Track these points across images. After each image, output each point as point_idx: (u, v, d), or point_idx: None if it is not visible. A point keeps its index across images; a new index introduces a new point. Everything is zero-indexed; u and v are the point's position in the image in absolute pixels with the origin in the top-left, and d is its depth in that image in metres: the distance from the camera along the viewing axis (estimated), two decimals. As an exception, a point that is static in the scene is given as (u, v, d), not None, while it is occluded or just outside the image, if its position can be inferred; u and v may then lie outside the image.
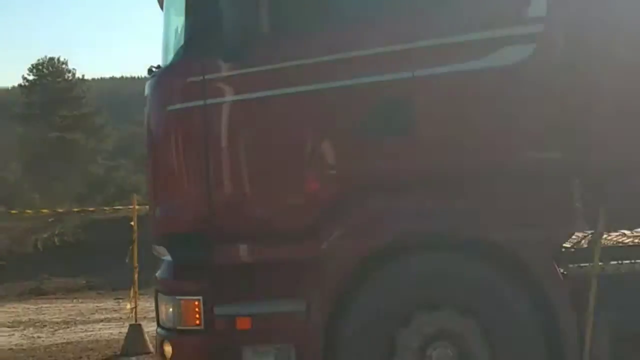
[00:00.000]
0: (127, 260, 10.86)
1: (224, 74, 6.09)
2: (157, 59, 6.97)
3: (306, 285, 5.99)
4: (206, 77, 6.06)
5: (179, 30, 6.43)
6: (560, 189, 6.09)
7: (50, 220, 25.56)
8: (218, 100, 6.10)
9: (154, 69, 6.75)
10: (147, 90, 6.59)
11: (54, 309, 14.82)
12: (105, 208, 23.81)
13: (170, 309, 6.12)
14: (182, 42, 6.25)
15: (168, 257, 6.31)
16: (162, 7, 7.04)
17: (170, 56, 6.47)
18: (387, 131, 6.02)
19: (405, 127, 6.01)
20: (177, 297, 6.08)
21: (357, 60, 6.03)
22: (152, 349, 9.85)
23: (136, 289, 10.89)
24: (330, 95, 6.06)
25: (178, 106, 6.17)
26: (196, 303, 5.99)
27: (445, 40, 6.01)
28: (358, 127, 6.02)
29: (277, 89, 6.07)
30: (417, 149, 5.98)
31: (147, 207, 13.61)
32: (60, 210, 24.79)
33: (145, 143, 6.82)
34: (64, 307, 15.18)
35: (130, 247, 10.77)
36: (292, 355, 5.92)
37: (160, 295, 6.31)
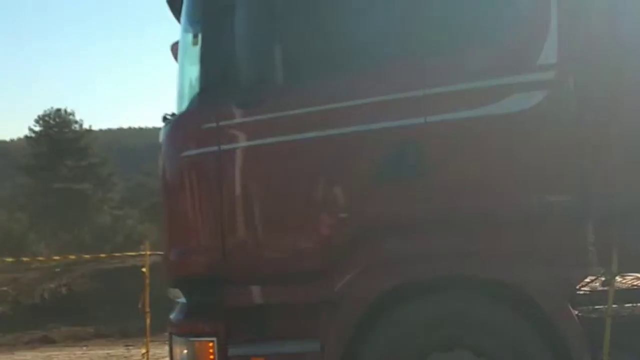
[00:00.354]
0: (139, 306, 10.86)
1: (238, 120, 6.21)
2: (162, 110, 7.09)
3: (320, 326, 6.03)
4: (220, 123, 6.17)
5: (193, 78, 6.56)
6: (573, 232, 6.14)
7: (56, 270, 25.59)
8: (232, 146, 6.20)
9: (168, 117, 6.87)
10: (161, 137, 6.71)
11: (63, 357, 14.79)
12: (117, 254, 23.84)
13: (185, 351, 6.16)
14: (196, 90, 6.37)
15: (182, 300, 6.37)
16: (176, 58, 7.18)
17: (185, 104, 6.59)
18: (398, 176, 6.10)
19: (416, 172, 6.09)
20: (191, 339, 6.13)
21: (368, 106, 6.13)
22: (164, 395, 9.83)
23: (147, 334, 10.88)
24: (342, 141, 6.14)
25: (192, 152, 6.28)
26: (210, 344, 6.03)
27: (457, 87, 6.11)
28: (369, 171, 6.10)
29: (289, 135, 6.17)
30: (429, 192, 6.05)
31: (157, 254, 13.78)
32: (72, 257, 24.79)
33: (159, 188, 6.93)
34: (73, 354, 15.15)
35: (142, 293, 10.79)
36: (307, 397, 5.95)
37: (174, 338, 6.35)
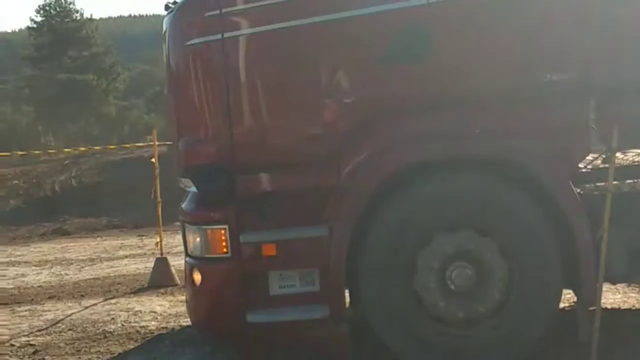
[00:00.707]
0: (152, 197, 11.03)
1: (241, 7, 6.18)
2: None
3: (328, 211, 6.17)
4: (223, 10, 6.15)
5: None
6: (576, 109, 6.20)
7: (65, 162, 25.76)
8: (235, 33, 6.19)
9: (170, 4, 6.82)
10: (164, 26, 6.70)
11: (78, 248, 15.07)
12: (126, 144, 23.95)
13: (198, 239, 6.31)
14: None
15: (193, 189, 6.49)
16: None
17: (187, -9, 6.53)
18: (404, 58, 6.12)
19: (422, 53, 6.11)
20: (204, 227, 6.27)
21: None
22: (178, 281, 10.11)
23: (160, 223, 11.09)
24: (346, 25, 6.14)
25: (197, 41, 6.27)
26: (222, 232, 6.17)
27: None
28: (375, 54, 6.12)
29: (293, 20, 6.16)
30: (434, 73, 6.08)
31: (165, 144, 13.88)
32: (83, 149, 24.93)
33: (164, 78, 6.95)
34: (88, 245, 15.42)
35: (154, 183, 10.94)
36: (317, 279, 6.14)
37: (187, 226, 6.51)
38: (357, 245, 6.09)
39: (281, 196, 6.25)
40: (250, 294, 6.15)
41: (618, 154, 6.64)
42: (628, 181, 6.32)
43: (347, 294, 6.43)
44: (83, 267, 12.60)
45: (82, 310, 9.33)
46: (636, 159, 6.98)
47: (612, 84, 6.14)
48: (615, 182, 6.00)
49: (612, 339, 6.04)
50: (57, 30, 47.80)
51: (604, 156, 6.54)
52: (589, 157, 6.66)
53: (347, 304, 6.54)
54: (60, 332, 8.38)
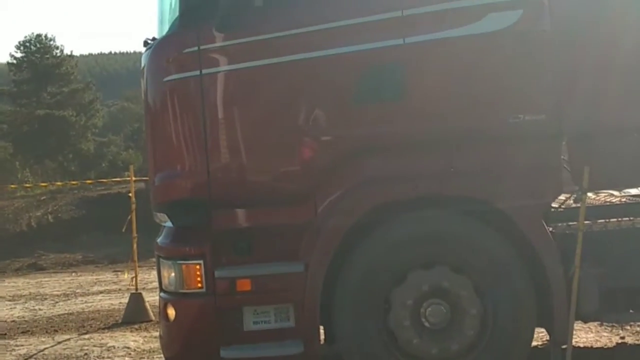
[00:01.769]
0: (123, 230, 11.02)
1: (219, 44, 6.24)
2: (144, 35, 7.09)
3: (303, 247, 6.20)
4: (201, 47, 6.21)
5: (174, 2, 6.56)
6: (548, 150, 6.30)
7: (42, 198, 25.65)
8: (213, 70, 6.24)
9: (149, 41, 6.89)
10: (143, 62, 6.75)
11: (53, 283, 14.97)
12: (103, 180, 23.89)
13: (173, 274, 6.30)
14: (177, 14, 6.39)
15: (169, 223, 6.50)
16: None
17: (166, 28, 6.61)
18: (379, 97, 6.20)
19: (395, 93, 6.19)
20: (179, 262, 6.27)
21: (349, 28, 6.19)
22: (152, 317, 10.06)
23: (135, 258, 11.07)
24: (322, 64, 6.21)
25: (174, 77, 6.32)
26: (197, 267, 6.18)
27: (433, 8, 6.18)
28: (350, 94, 6.19)
29: (270, 58, 6.22)
30: (408, 114, 6.16)
31: (142, 180, 13.88)
32: (59, 184, 24.86)
33: (142, 114, 6.99)
34: (63, 280, 15.33)
35: (129, 217, 10.93)
36: (292, 315, 6.15)
37: (162, 261, 6.50)
38: (332, 282, 6.11)
39: (257, 232, 6.28)
40: (224, 330, 6.15)
41: (590, 194, 6.75)
42: (600, 221, 6.41)
43: (322, 330, 6.45)
44: (57, 302, 12.51)
45: (55, 345, 9.26)
46: (608, 199, 7.09)
47: (583, 125, 6.24)
48: (586, 222, 6.08)
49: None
50: (37, 66, 47.81)
51: (575, 196, 6.64)
52: (562, 197, 6.77)
53: (322, 341, 6.55)
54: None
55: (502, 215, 6.12)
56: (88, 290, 13.80)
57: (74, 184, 25.22)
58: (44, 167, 37.08)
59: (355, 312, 6.09)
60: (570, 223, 6.31)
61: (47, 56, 48.89)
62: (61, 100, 46.76)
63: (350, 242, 6.11)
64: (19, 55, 49.00)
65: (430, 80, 6.17)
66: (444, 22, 6.16)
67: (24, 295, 13.48)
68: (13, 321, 11.04)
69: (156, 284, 7.12)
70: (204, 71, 6.20)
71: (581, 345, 7.90)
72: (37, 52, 48.88)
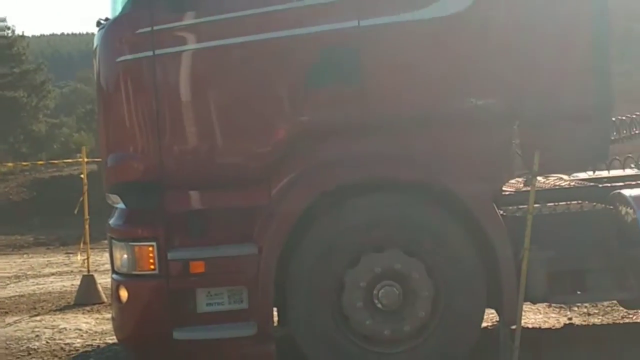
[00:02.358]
0: (75, 212, 10.93)
1: (172, 24, 6.20)
2: (97, 16, 7.01)
3: (257, 230, 6.22)
4: (155, 28, 6.17)
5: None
6: (500, 134, 6.38)
7: (-7, 179, 25.34)
8: (166, 50, 6.20)
9: (102, 22, 6.82)
10: (95, 42, 6.69)
11: (3, 264, 14.79)
12: (55, 161, 23.60)
13: (125, 255, 6.28)
14: (130, -6, 6.33)
15: (121, 205, 6.47)
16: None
17: (119, 8, 6.55)
18: (333, 80, 6.21)
19: (349, 76, 6.21)
20: (131, 243, 6.25)
21: (303, 10, 6.19)
22: (105, 298, 10.02)
23: (87, 240, 10.99)
24: (277, 46, 6.21)
25: (127, 57, 6.28)
26: (150, 248, 6.16)
27: None
28: (304, 77, 6.19)
29: (222, 39, 6.20)
30: (361, 97, 6.18)
31: (94, 161, 13.76)
32: (9, 164, 24.54)
33: (95, 95, 6.94)
34: (14, 262, 15.17)
35: (81, 199, 10.85)
36: (245, 296, 6.17)
37: (114, 242, 6.47)
38: (286, 264, 6.14)
39: (210, 214, 6.28)
40: (177, 311, 6.15)
41: (540, 178, 6.86)
42: (549, 204, 6.52)
43: (275, 312, 6.48)
44: (8, 284, 12.38)
45: (6, 327, 9.17)
46: (557, 183, 7.21)
47: (533, 110, 6.33)
48: (536, 205, 6.17)
49: (532, 358, 6.18)
50: (-13, 46, 46.95)
51: (526, 180, 6.74)
52: (512, 181, 6.86)
53: (275, 322, 6.58)
54: (-19, 349, 8.23)
55: (454, 199, 6.19)
56: (39, 272, 13.68)
57: (25, 166, 24.91)
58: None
59: (308, 293, 6.12)
60: (521, 206, 6.41)
61: (-2, 36, 48.05)
62: (12, 82, 45.97)
63: (303, 225, 6.13)
64: (-31, 35, 48.10)
65: (384, 64, 6.20)
66: (399, 5, 6.18)
67: (-27, 278, 13.31)
68: (-38, 304, 10.90)
69: (108, 266, 7.09)
70: (156, 52, 6.16)
71: (530, 326, 8.04)
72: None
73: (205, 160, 6.28)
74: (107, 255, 7.23)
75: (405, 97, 6.23)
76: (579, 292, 6.56)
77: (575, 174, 7.44)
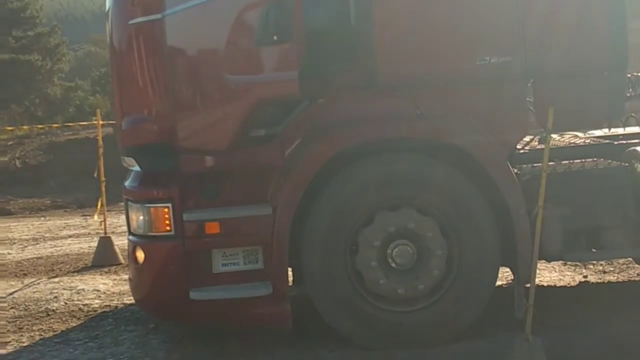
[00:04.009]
0: (95, 175, 10.99)
1: None
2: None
3: (271, 190, 6.24)
4: None
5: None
6: (513, 92, 6.35)
7: (9, 143, 25.39)
8: (174, 10, 6.15)
9: (114, -16, 6.79)
10: (108, 5, 6.69)
11: (22, 227, 14.89)
12: (70, 124, 23.65)
13: (141, 217, 6.33)
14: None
15: (136, 167, 6.50)
16: None
17: (131, -30, 6.52)
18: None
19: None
20: (147, 205, 6.29)
21: None
22: (122, 260, 10.09)
23: (104, 202, 11.05)
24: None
25: (140, 19, 6.27)
26: (165, 210, 6.21)
27: None
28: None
29: None
30: (377, 56, 6.15)
31: (109, 124, 13.79)
32: (25, 128, 24.62)
33: (109, 58, 6.95)
34: (31, 225, 15.25)
35: (98, 162, 10.90)
36: (260, 257, 6.22)
37: (130, 204, 6.52)
38: (300, 224, 6.17)
39: (225, 175, 6.30)
40: (193, 272, 6.20)
41: (554, 136, 6.83)
42: (564, 162, 6.51)
43: (290, 272, 6.52)
44: (26, 247, 12.49)
45: (25, 288, 9.27)
46: (572, 141, 7.18)
47: (548, 67, 6.29)
48: (550, 163, 6.14)
49: (547, 316, 6.20)
50: (1, 10, 46.88)
51: (540, 137, 6.72)
52: (527, 139, 6.84)
53: (291, 282, 6.63)
54: (2, 310, 8.33)
55: (467, 157, 6.18)
56: (57, 234, 13.77)
57: (41, 129, 24.96)
58: (10, 112, 36.59)
59: (323, 253, 6.16)
60: (535, 164, 6.39)
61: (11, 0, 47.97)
62: (26, 45, 45.86)
63: (318, 185, 6.15)
64: (-19, -2, 48.02)
65: (398, 23, 6.16)
66: None
67: (-9, 240, 13.43)
68: (-19, 266, 11.02)
69: (125, 228, 7.15)
70: (167, 13, 6.13)
71: (545, 284, 8.07)
72: (1, -6, 47.91)
73: (218, 121, 6.27)
74: (123, 217, 7.28)
75: (419, 56, 6.19)
76: (594, 250, 6.56)
77: (590, 132, 7.41)
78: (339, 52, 6.29)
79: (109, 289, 8.98)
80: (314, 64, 6.17)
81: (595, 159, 6.65)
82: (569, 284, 8.21)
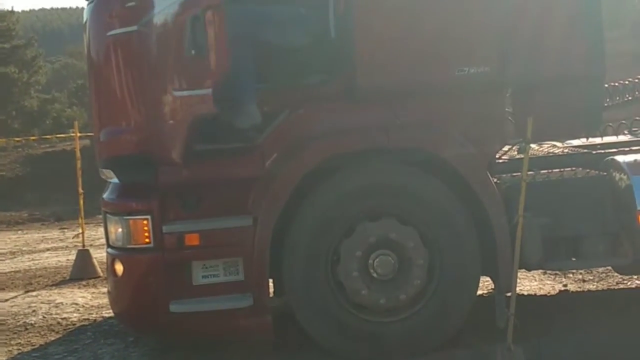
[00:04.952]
0: (81, 190, 10.90)
1: None
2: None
3: (252, 201, 6.21)
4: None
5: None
6: (492, 102, 6.38)
7: (-15, 156, 25.26)
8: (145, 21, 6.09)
9: (91, -5, 6.77)
10: (85, 17, 6.65)
11: (-1, 241, 14.87)
12: (47, 136, 23.55)
13: (120, 229, 6.28)
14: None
15: (115, 179, 6.46)
16: None
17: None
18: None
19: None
20: (126, 217, 6.25)
21: None
22: (101, 273, 10.03)
23: (82, 215, 10.99)
24: None
25: (117, 31, 6.24)
26: (145, 222, 6.15)
27: None
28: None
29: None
30: (358, 66, 6.15)
31: (87, 137, 13.71)
32: (2, 141, 24.44)
33: (86, 70, 6.92)
34: (8, 238, 15.16)
35: (75, 174, 10.84)
36: (240, 268, 6.17)
37: (108, 217, 6.46)
38: (281, 235, 6.15)
39: (204, 186, 6.27)
40: (173, 284, 6.15)
41: (533, 145, 6.87)
42: (542, 171, 6.54)
43: (271, 283, 6.50)
44: (3, 260, 12.40)
45: (3, 302, 9.17)
46: (550, 150, 7.22)
47: (526, 77, 6.32)
48: (530, 172, 6.17)
49: (528, 325, 6.21)
50: (-23, 22, 46.63)
51: (519, 147, 6.75)
52: (506, 148, 6.87)
53: (271, 293, 6.60)
54: (-21, 325, 8.25)
55: (447, 166, 6.20)
56: (35, 247, 13.69)
57: (17, 141, 24.82)
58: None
59: (304, 263, 6.14)
60: (514, 174, 6.42)
61: (-13, 12, 47.71)
62: (3, 57, 45.65)
63: (298, 195, 6.13)
64: (-43, 10, 47.73)
65: (377, 34, 6.16)
66: None
67: (-31, 254, 13.31)
68: (-43, 280, 10.90)
69: (103, 241, 7.10)
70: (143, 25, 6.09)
71: (525, 293, 8.10)
72: (-23, 8, 47.63)
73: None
74: (101, 229, 7.23)
75: (395, 66, 6.19)
76: (573, 259, 6.59)
77: (568, 141, 7.45)
78: (317, 63, 6.29)
79: (88, 302, 8.91)
80: (289, 76, 6.17)
81: (573, 169, 6.69)
82: (549, 292, 8.24)
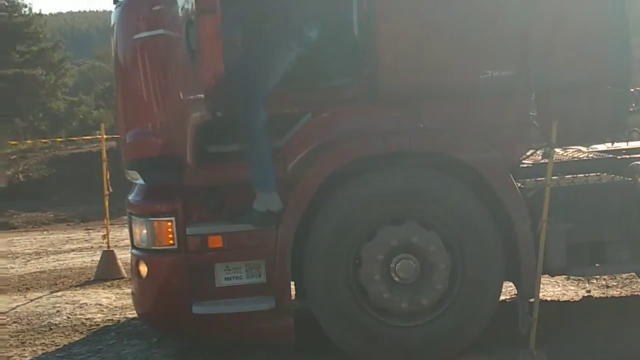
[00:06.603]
0: (110, 190, 10.96)
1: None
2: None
3: (275, 203, 6.22)
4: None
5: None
6: (516, 106, 6.36)
7: (12, 157, 25.44)
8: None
9: (119, -1, 6.84)
10: (113, 19, 6.73)
11: (25, 241, 14.90)
12: (74, 138, 23.71)
13: (144, 230, 6.34)
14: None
15: (140, 181, 6.51)
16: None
17: (135, -15, 6.55)
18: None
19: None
20: (150, 219, 6.30)
21: None
22: (125, 274, 10.09)
23: (107, 216, 11.05)
24: None
25: (145, 34, 6.33)
26: (169, 224, 6.21)
27: None
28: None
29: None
30: (382, 69, 6.15)
31: (113, 139, 13.81)
32: (29, 142, 24.66)
33: (113, 72, 6.99)
34: (34, 239, 15.27)
35: (102, 175, 10.92)
36: (263, 271, 6.20)
37: (133, 218, 6.52)
38: (303, 237, 6.16)
39: (228, 188, 6.29)
40: (196, 286, 6.19)
41: (558, 150, 6.83)
42: (567, 176, 6.51)
43: (293, 286, 6.51)
44: (29, 261, 12.50)
45: (27, 303, 9.27)
46: (575, 155, 7.19)
47: (551, 81, 6.29)
48: (554, 177, 6.15)
49: (551, 330, 6.19)
50: (5, 25, 47.05)
51: (544, 152, 6.72)
52: (530, 153, 6.85)
53: (293, 296, 6.62)
54: (4, 324, 8.32)
55: (471, 171, 6.18)
56: (60, 248, 13.78)
57: (44, 143, 25.00)
58: (14, 126, 36.68)
59: (326, 267, 6.14)
60: (538, 179, 6.39)
61: (16, 14, 48.17)
62: (30, 60, 46.09)
63: (321, 199, 6.14)
64: (-14, 14, 48.21)
65: (401, 37, 6.17)
66: None
67: (-6, 254, 13.43)
68: (-17, 280, 11.01)
69: (128, 242, 7.15)
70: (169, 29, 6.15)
71: (548, 298, 8.05)
72: (5, 10, 48.12)
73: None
74: (126, 230, 7.29)
75: (422, 69, 6.19)
76: (597, 265, 6.53)
77: (593, 146, 7.41)
78: (339, 66, 6.29)
79: (112, 303, 8.97)
80: (312, 78, 6.19)
81: (598, 174, 6.65)
82: (572, 298, 8.19)
